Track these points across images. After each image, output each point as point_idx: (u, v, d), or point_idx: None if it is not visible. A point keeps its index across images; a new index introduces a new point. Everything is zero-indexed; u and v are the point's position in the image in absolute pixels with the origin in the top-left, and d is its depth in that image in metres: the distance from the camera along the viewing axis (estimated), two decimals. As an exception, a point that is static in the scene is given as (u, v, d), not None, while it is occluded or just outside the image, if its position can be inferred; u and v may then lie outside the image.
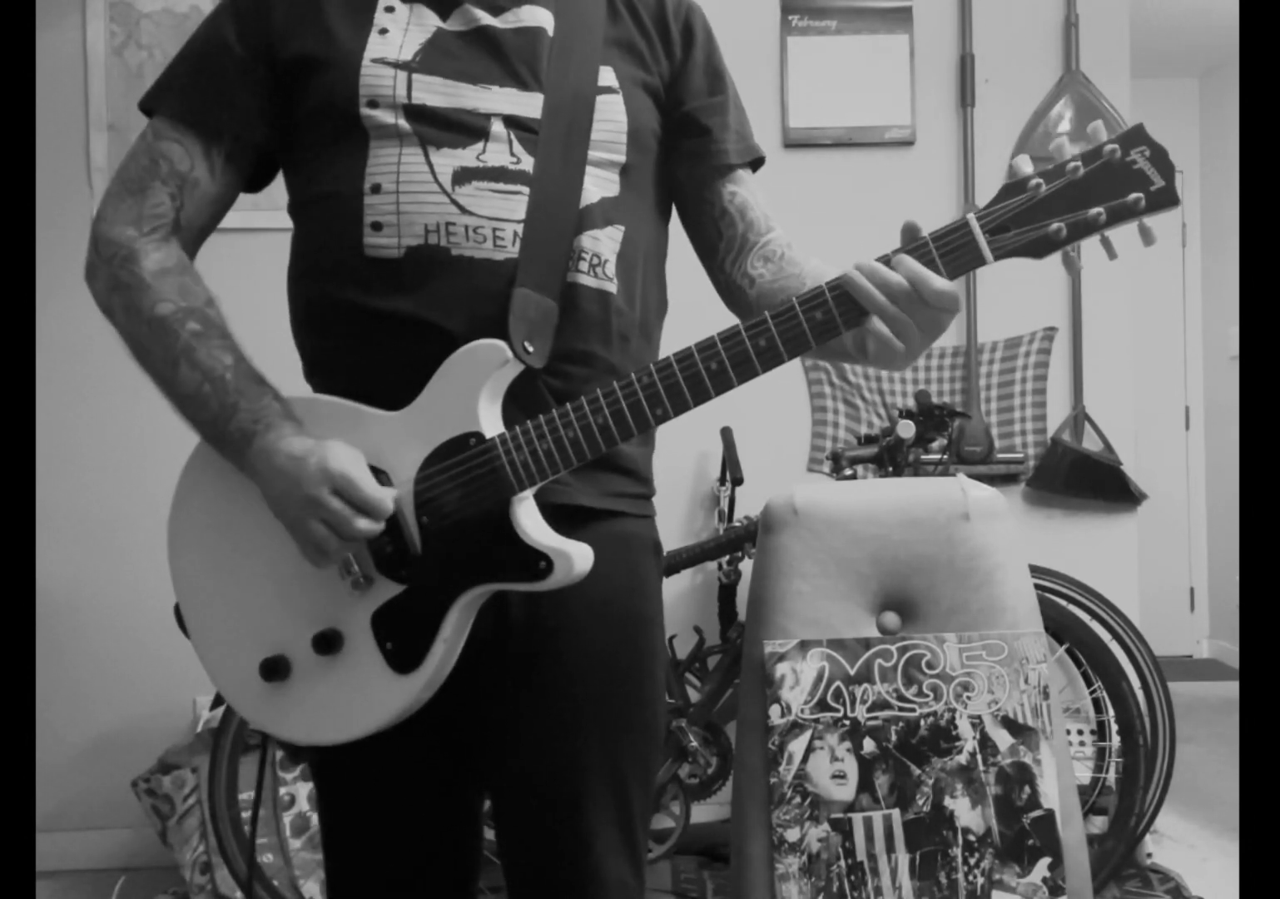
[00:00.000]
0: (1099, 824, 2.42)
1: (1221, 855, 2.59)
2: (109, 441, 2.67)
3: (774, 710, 1.32)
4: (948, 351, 2.80)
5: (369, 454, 1.02)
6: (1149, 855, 2.53)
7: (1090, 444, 2.77)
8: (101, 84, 2.70)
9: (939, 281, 0.92)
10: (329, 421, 1.04)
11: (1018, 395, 2.80)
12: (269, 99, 1.07)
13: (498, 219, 1.02)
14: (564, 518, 1.03)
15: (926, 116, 2.81)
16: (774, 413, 2.77)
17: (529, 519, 1.00)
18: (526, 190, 1.03)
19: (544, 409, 1.00)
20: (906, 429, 2.21)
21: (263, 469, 1.01)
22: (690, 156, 1.16)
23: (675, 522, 2.77)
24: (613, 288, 1.07)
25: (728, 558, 2.39)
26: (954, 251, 0.93)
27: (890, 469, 2.28)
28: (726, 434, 2.58)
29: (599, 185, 1.07)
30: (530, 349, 1.01)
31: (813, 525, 1.39)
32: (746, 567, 2.32)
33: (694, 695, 2.34)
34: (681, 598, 2.74)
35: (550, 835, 1.09)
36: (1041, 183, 0.91)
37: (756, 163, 1.21)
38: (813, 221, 2.76)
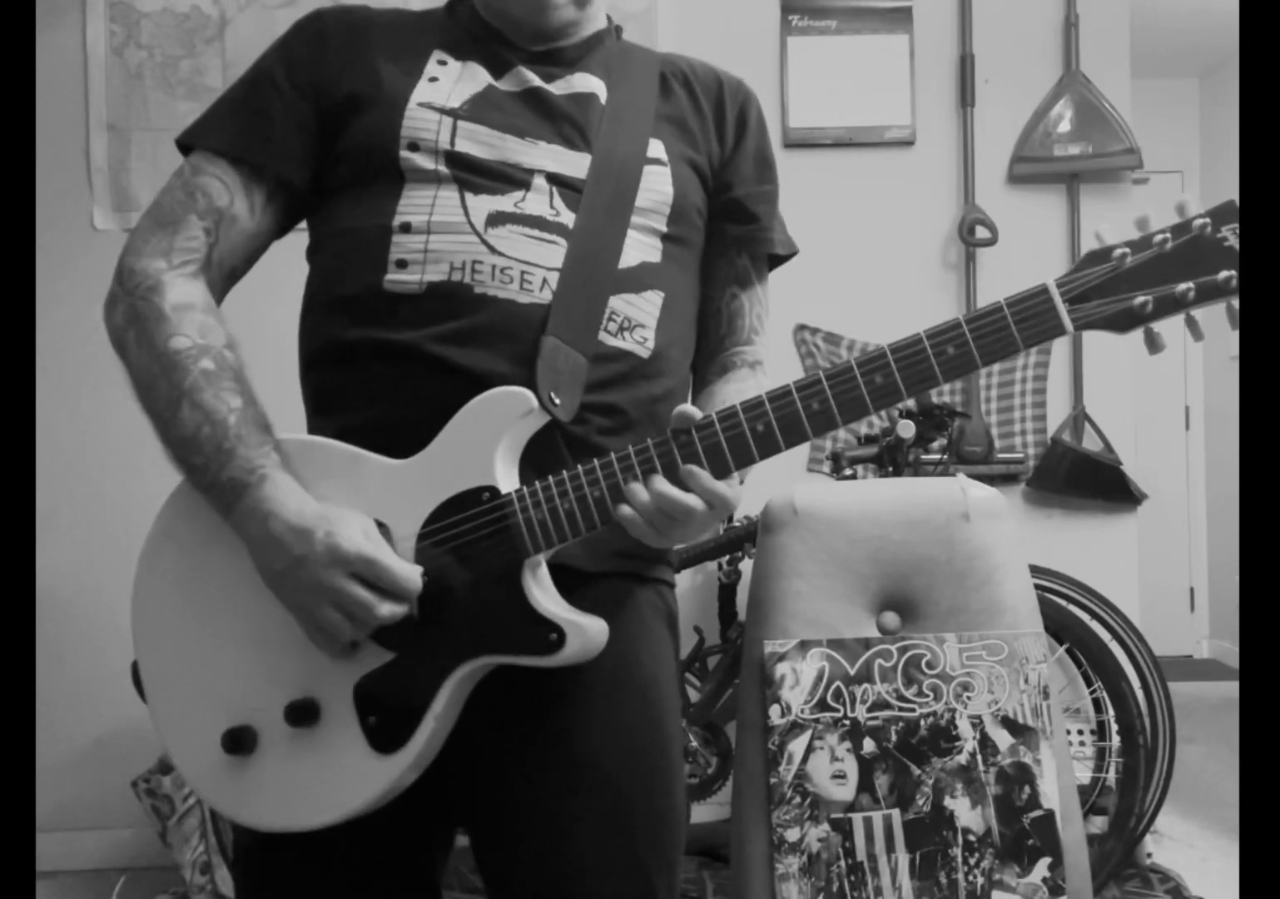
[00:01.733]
0: (1099, 824, 2.42)
1: (1221, 855, 2.59)
2: (109, 442, 2.67)
3: (774, 710, 1.32)
4: (948, 351, 2.80)
5: (368, 505, 0.94)
6: (1149, 855, 2.53)
7: (1090, 444, 2.77)
8: (101, 84, 2.70)
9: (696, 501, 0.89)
10: (325, 468, 0.96)
11: (1018, 395, 2.80)
12: (314, 142, 1.04)
13: (528, 262, 0.98)
14: (558, 581, 0.95)
15: (926, 116, 2.81)
16: (774, 413, 2.76)
17: (540, 586, 0.92)
18: (562, 241, 0.99)
19: (559, 463, 0.94)
20: (906, 429, 2.21)
21: (255, 532, 0.92)
22: (733, 243, 1.14)
23: (675, 522, 2.77)
24: (644, 352, 1.03)
25: (728, 558, 2.39)
26: (1031, 318, 0.89)
27: (890, 469, 2.28)
28: (726, 434, 2.58)
29: (640, 250, 1.04)
30: (557, 401, 0.95)
31: (813, 525, 1.39)
32: (746, 567, 2.32)
33: (694, 695, 2.34)
34: (681, 598, 2.73)
35: None
36: (1128, 253, 0.88)
37: (788, 257, 1.20)
38: (813, 221, 2.75)
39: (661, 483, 0.89)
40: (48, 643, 2.58)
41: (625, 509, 0.90)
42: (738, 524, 2.38)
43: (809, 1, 2.79)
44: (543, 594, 0.92)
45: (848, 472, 2.31)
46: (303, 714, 0.92)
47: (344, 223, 1.03)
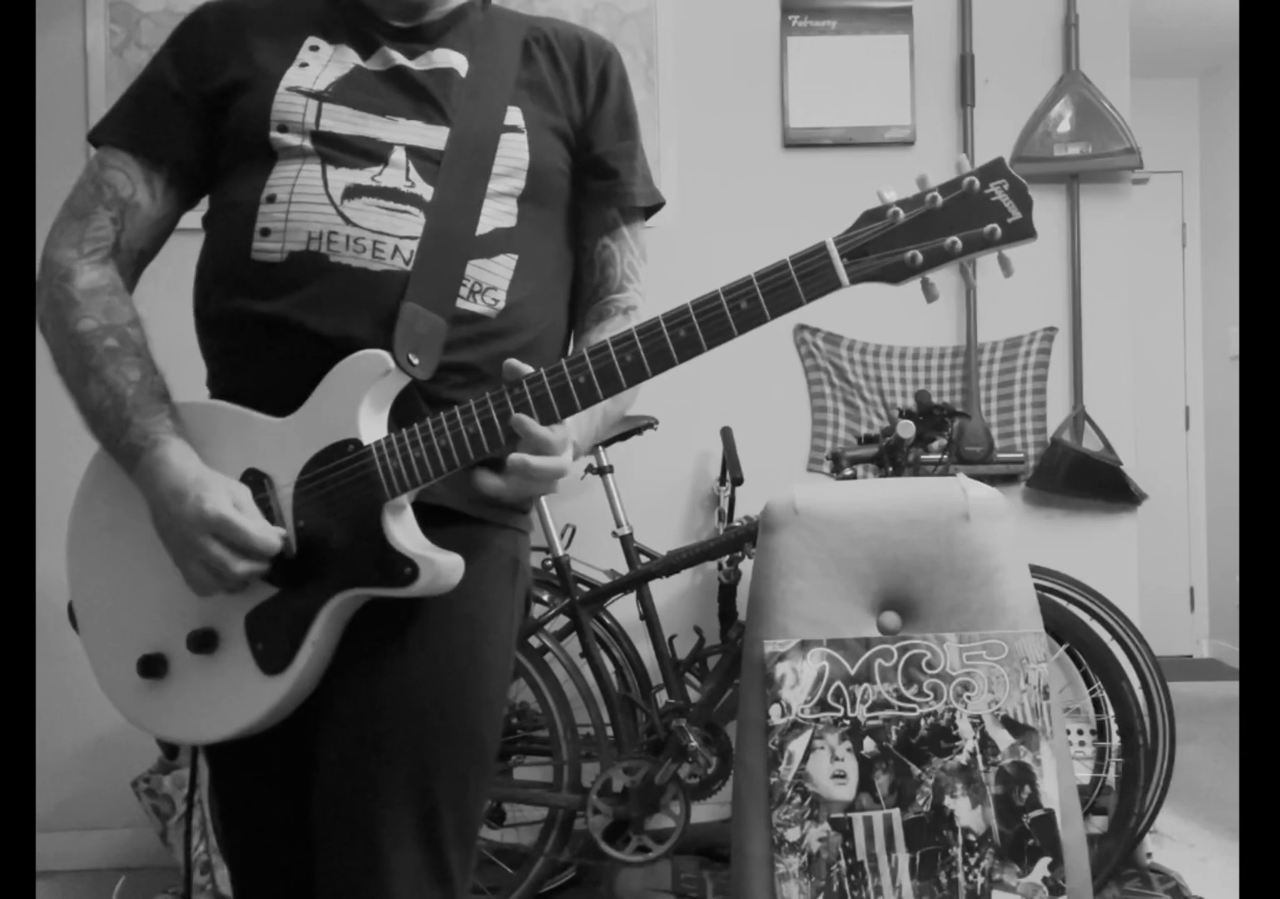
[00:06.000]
0: (1099, 824, 2.42)
1: (1221, 855, 2.59)
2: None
3: (774, 710, 1.32)
4: (948, 351, 2.80)
5: (254, 458, 1.05)
6: (1149, 855, 2.53)
7: (1090, 444, 2.77)
8: (101, 84, 2.70)
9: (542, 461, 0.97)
10: (217, 428, 1.07)
11: (1018, 395, 2.80)
12: (203, 128, 1.14)
13: (381, 232, 1.06)
14: (423, 518, 1.05)
15: (926, 116, 2.81)
16: (774, 413, 2.76)
17: (400, 525, 1.02)
18: (415, 210, 1.08)
19: (417, 416, 1.03)
20: (906, 429, 2.21)
21: (147, 492, 1.05)
22: (598, 198, 1.21)
23: (675, 522, 2.77)
24: (494, 313, 1.10)
25: (728, 558, 2.39)
26: (812, 273, 0.96)
27: (890, 469, 2.28)
28: (726, 434, 2.58)
29: (495, 217, 1.11)
30: (415, 361, 1.04)
31: (813, 525, 1.39)
32: (746, 567, 2.32)
33: (694, 695, 2.34)
34: (681, 598, 2.74)
35: (340, 849, 1.04)
36: (900, 211, 0.96)
37: (657, 207, 1.26)
38: (813, 222, 2.74)
39: (521, 460, 0.97)
40: (48, 643, 2.58)
41: (489, 482, 1.00)
42: (738, 524, 2.38)
43: (809, 1, 2.79)
44: (401, 532, 1.01)
45: (848, 472, 2.31)
46: (204, 642, 1.05)
47: (226, 198, 1.13)
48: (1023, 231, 0.95)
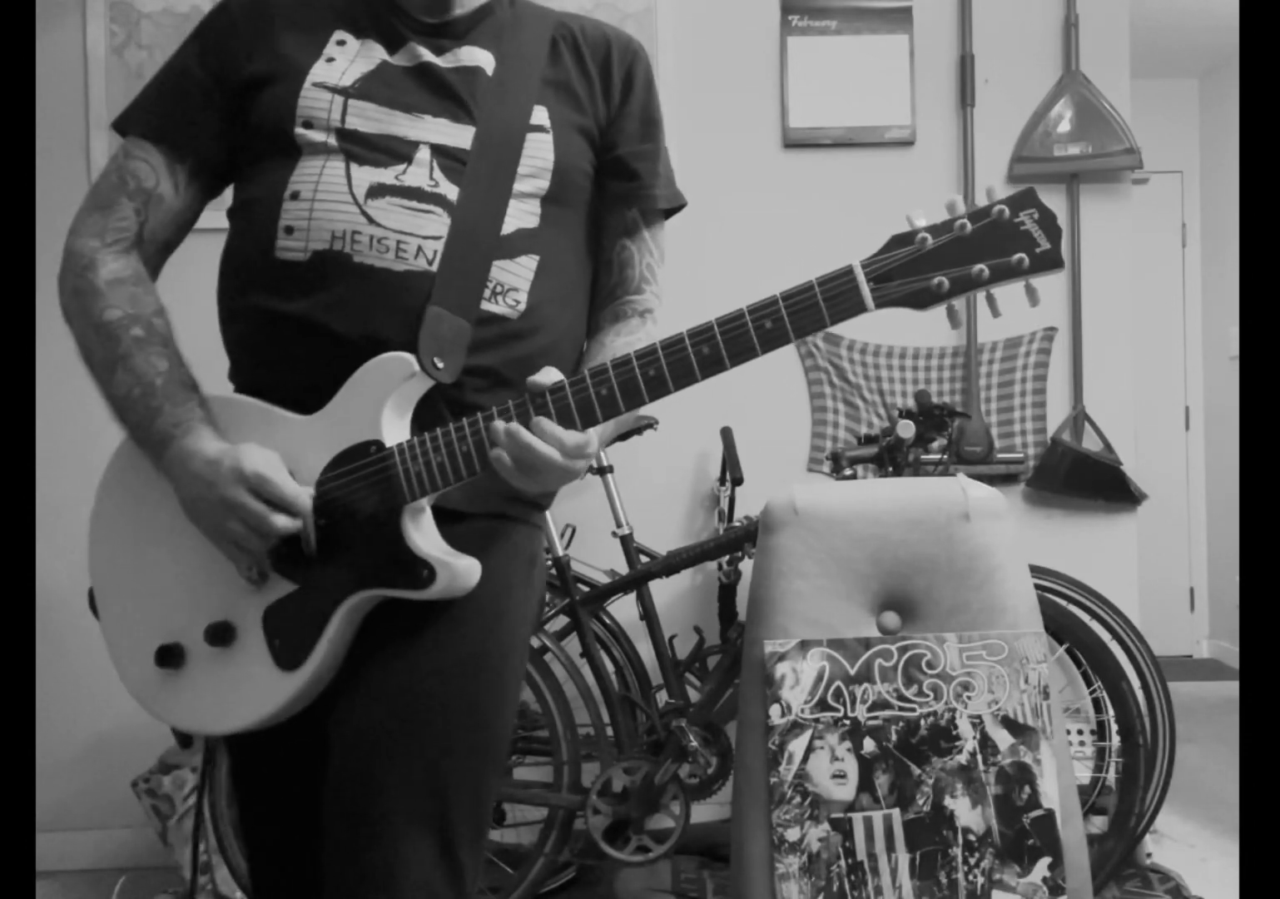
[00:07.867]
0: (1099, 824, 2.42)
1: (1221, 855, 2.59)
2: (109, 440, 2.66)
3: (774, 710, 1.32)
4: (948, 351, 2.80)
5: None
6: (1149, 855, 2.53)
7: (1090, 444, 2.77)
8: (101, 84, 2.70)
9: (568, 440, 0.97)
10: (242, 422, 1.08)
11: (1018, 395, 2.80)
12: (228, 120, 1.13)
13: (404, 233, 1.06)
14: (441, 515, 1.06)
15: (926, 116, 2.81)
16: (774, 413, 2.76)
17: (419, 528, 1.03)
18: (439, 210, 1.07)
19: (438, 420, 1.04)
20: (906, 429, 2.21)
21: (178, 473, 1.06)
22: (619, 199, 1.21)
23: (675, 522, 2.77)
24: (514, 314, 1.10)
25: (728, 558, 2.39)
26: (837, 296, 0.96)
27: (890, 469, 2.28)
28: (726, 434, 2.58)
29: (518, 218, 1.11)
30: (440, 365, 1.04)
31: (813, 525, 1.39)
32: (746, 567, 2.32)
33: (694, 695, 2.34)
34: (681, 598, 2.74)
35: (349, 841, 1.04)
36: (928, 237, 0.95)
37: (678, 209, 1.26)
38: (813, 221, 2.76)
39: (518, 429, 0.98)
40: (48, 642, 2.58)
41: (494, 450, 0.99)
42: (738, 524, 2.38)
43: (809, 1, 2.79)
44: (420, 535, 1.03)
45: (848, 472, 2.31)
46: (221, 635, 1.07)
47: (249, 193, 1.13)
48: (1050, 262, 0.95)
